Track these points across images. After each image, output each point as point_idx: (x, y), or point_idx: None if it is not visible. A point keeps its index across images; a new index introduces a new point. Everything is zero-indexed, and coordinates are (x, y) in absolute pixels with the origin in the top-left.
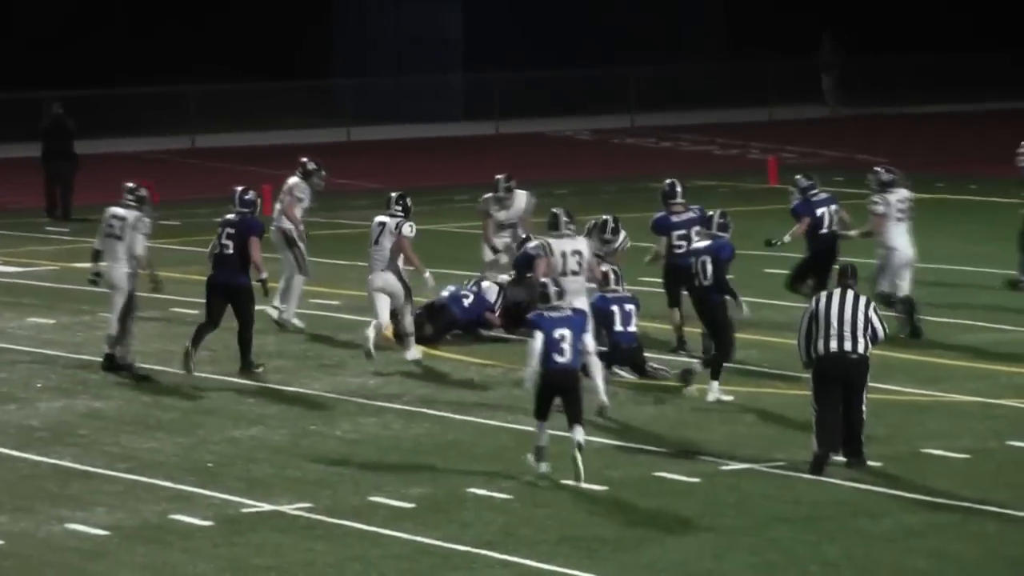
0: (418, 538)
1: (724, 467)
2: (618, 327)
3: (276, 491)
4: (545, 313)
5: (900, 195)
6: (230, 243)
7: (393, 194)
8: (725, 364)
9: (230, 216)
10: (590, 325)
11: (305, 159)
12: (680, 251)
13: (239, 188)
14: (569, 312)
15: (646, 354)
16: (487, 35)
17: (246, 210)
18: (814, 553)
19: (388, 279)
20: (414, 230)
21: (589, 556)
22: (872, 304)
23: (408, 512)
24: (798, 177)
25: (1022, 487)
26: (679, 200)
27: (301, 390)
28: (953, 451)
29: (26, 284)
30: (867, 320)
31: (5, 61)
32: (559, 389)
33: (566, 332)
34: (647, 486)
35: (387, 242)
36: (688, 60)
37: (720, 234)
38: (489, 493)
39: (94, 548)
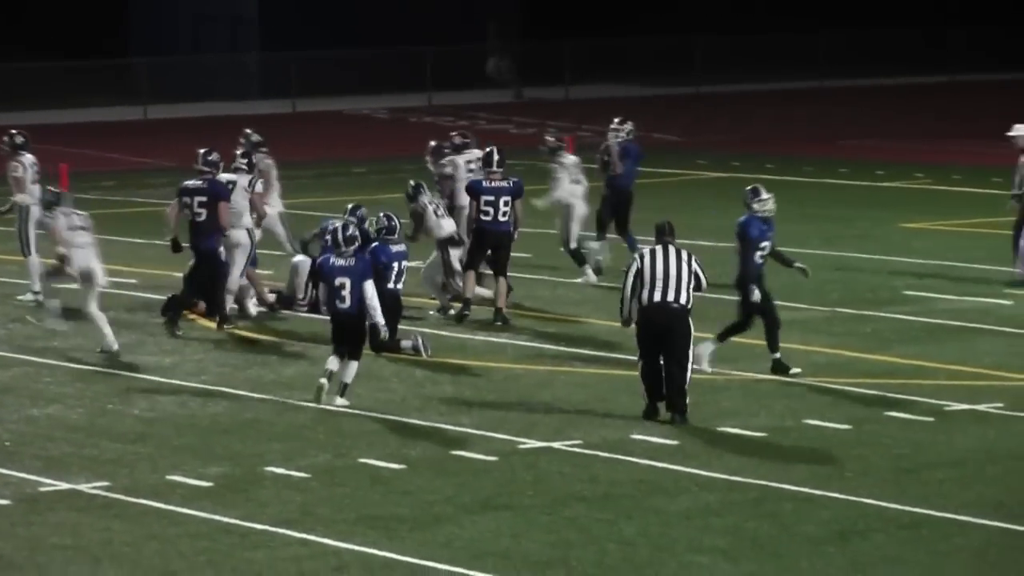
0: (216, 517)
1: (521, 446)
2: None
3: (74, 470)
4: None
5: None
6: (203, 210)
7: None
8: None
9: (196, 182)
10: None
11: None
12: (487, 217)
13: (202, 150)
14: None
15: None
16: (283, 14)
17: (210, 171)
18: (611, 531)
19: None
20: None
21: (387, 535)
22: (694, 257)
23: (206, 491)
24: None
25: (818, 465)
26: (495, 168)
27: (99, 369)
28: (750, 430)
29: None
30: (691, 272)
31: None
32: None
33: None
34: (445, 465)
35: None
36: (484, 39)
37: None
38: (287, 472)
39: None
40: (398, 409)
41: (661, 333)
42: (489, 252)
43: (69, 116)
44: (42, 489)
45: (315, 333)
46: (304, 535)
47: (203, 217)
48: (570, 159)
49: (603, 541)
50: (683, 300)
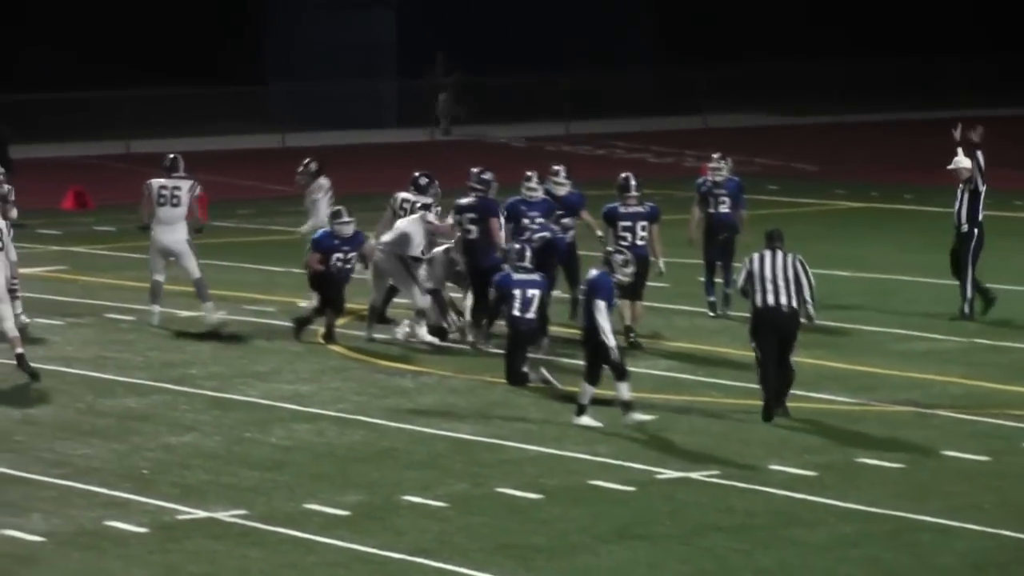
0: (353, 545)
1: (659, 475)
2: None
3: (210, 498)
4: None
5: None
6: (473, 227)
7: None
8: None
9: (468, 200)
10: None
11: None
12: (625, 243)
13: (476, 169)
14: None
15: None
16: (421, 41)
17: (482, 189)
18: (747, 561)
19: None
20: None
21: (523, 564)
22: (802, 261)
23: (343, 519)
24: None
25: (955, 497)
26: (633, 193)
27: (236, 396)
28: (887, 461)
29: None
30: (796, 276)
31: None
32: None
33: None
34: (581, 494)
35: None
36: (622, 68)
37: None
38: (424, 501)
39: (29, 554)
40: (535, 438)
41: (775, 334)
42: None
43: (207, 144)
44: (179, 517)
45: (454, 363)
46: (441, 564)
47: (474, 235)
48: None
49: (740, 571)
50: (794, 303)
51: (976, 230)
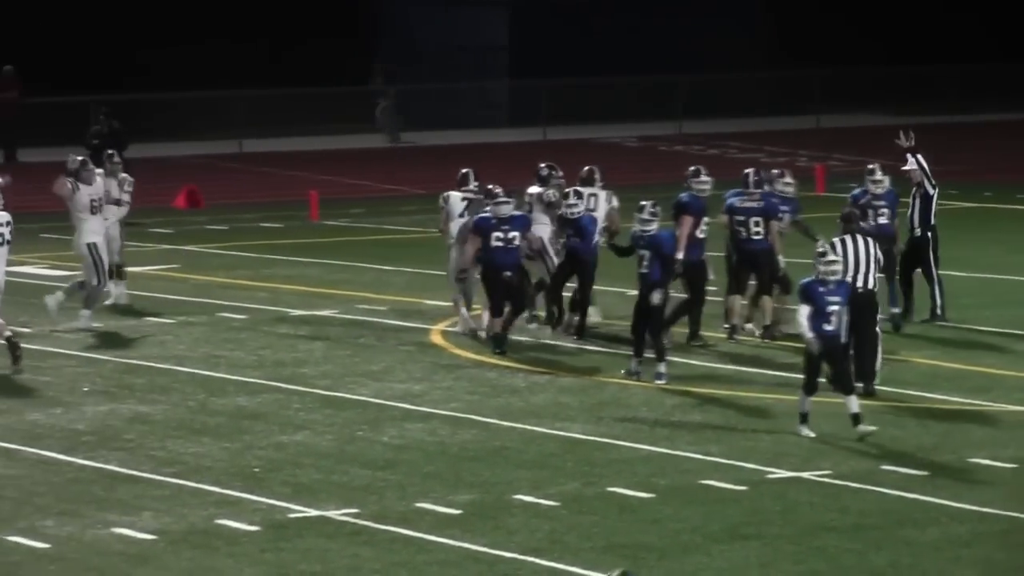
0: (465, 544)
1: (770, 475)
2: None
3: (322, 496)
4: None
5: None
6: (760, 229)
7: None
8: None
9: (750, 203)
10: None
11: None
12: (740, 236)
13: (750, 170)
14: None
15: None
16: (533, 41)
17: (759, 191)
18: (860, 562)
19: None
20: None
21: (634, 564)
22: (877, 243)
23: (455, 518)
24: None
25: None
26: (752, 189)
27: (348, 395)
28: (1000, 460)
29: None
30: (876, 258)
31: (56, 65)
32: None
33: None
34: (693, 493)
35: None
36: (736, 67)
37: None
38: (536, 500)
39: (140, 552)
40: (647, 437)
41: (852, 316)
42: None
43: (318, 143)
44: (291, 516)
45: (566, 362)
46: (552, 563)
47: (760, 235)
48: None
49: (852, 572)
50: (870, 285)
51: (929, 233)
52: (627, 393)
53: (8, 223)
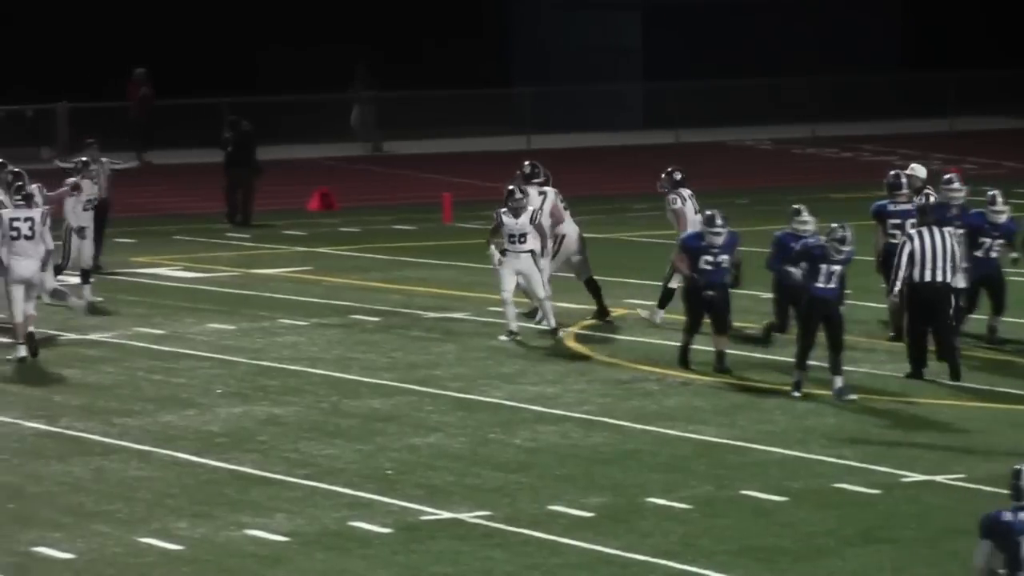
0: (597, 547)
1: (904, 479)
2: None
3: (455, 499)
4: None
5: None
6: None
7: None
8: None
9: (903, 206)
10: None
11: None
12: (894, 240)
13: (894, 171)
14: None
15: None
16: (666, 43)
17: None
18: None
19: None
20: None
21: (768, 567)
22: (955, 237)
23: (587, 521)
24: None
25: None
26: (903, 191)
27: (480, 398)
28: None
29: (206, 290)
30: (953, 251)
31: (188, 68)
32: None
33: None
34: (827, 497)
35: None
36: (869, 70)
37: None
38: (668, 503)
39: (273, 554)
40: (780, 441)
41: (930, 308)
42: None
43: (452, 145)
44: (423, 518)
45: (698, 364)
46: (685, 566)
47: None
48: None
49: None
50: (948, 278)
51: None
52: (760, 396)
53: (28, 219)
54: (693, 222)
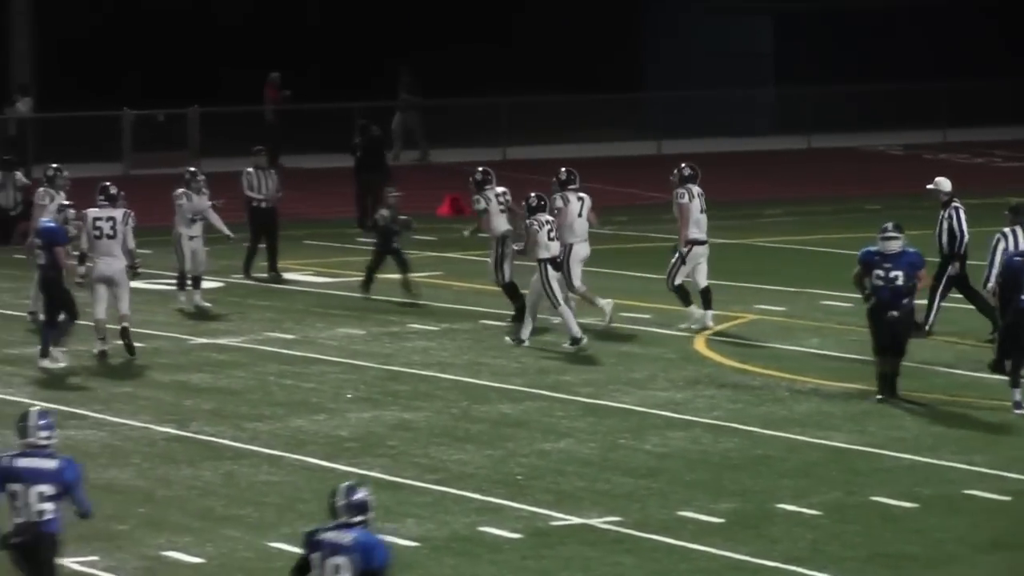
0: (727, 553)
1: None
2: None
3: (585, 504)
4: None
5: None
6: None
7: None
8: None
9: None
10: None
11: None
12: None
13: None
14: None
15: None
16: (798, 48)
17: None
18: None
19: None
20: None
21: (897, 574)
22: None
23: (717, 527)
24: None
25: None
26: None
27: (610, 403)
28: None
29: (336, 295)
30: None
31: (318, 74)
32: None
33: None
34: (957, 503)
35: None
36: (1003, 75)
37: None
38: (798, 509)
39: (403, 559)
40: (910, 447)
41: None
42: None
43: (582, 150)
44: (553, 523)
45: (829, 371)
46: (814, 572)
47: None
48: None
49: None
50: None
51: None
52: (890, 403)
53: (110, 219)
54: (696, 221)
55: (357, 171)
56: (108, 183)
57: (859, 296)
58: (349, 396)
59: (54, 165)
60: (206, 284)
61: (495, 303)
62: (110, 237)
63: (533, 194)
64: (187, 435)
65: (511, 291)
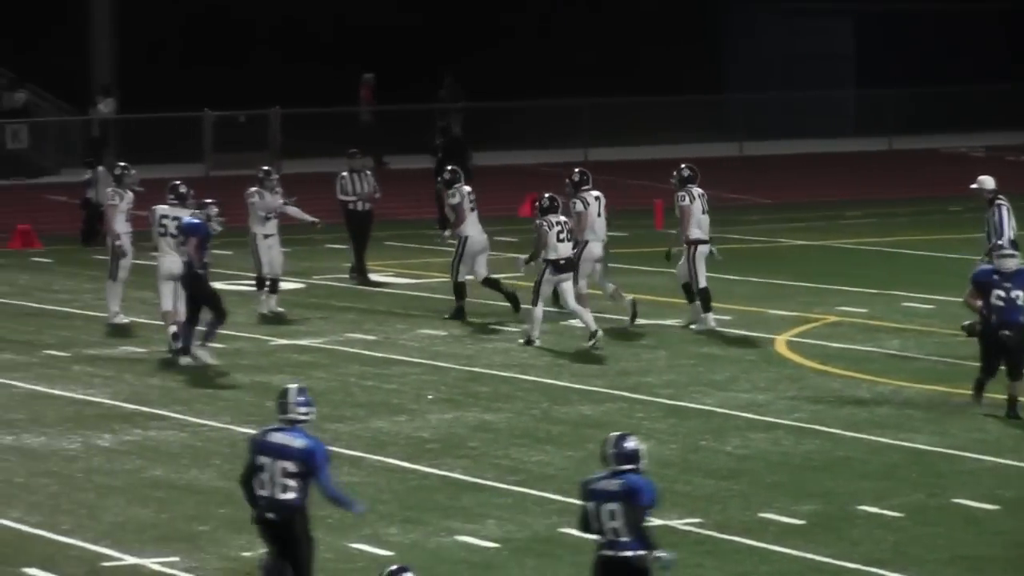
0: (808, 555)
1: None
2: None
3: (666, 506)
4: None
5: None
6: None
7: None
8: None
9: None
10: None
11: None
12: None
13: None
14: None
15: None
16: (879, 50)
17: None
18: None
19: None
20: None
21: None
22: None
23: (798, 528)
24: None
25: None
26: None
27: (691, 405)
28: None
29: (418, 296)
30: None
31: (405, 75)
32: None
33: None
34: None
35: None
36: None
37: None
38: (879, 511)
39: (484, 560)
40: (992, 449)
41: None
42: None
43: (663, 152)
44: None
45: (910, 373)
46: (895, 574)
47: None
48: None
49: None
50: None
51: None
52: (972, 404)
53: (176, 218)
54: (698, 221)
55: (438, 172)
56: (178, 182)
57: (960, 303)
58: (430, 397)
59: (122, 164)
60: (287, 285)
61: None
62: (174, 236)
63: (546, 195)
64: None
65: (459, 290)
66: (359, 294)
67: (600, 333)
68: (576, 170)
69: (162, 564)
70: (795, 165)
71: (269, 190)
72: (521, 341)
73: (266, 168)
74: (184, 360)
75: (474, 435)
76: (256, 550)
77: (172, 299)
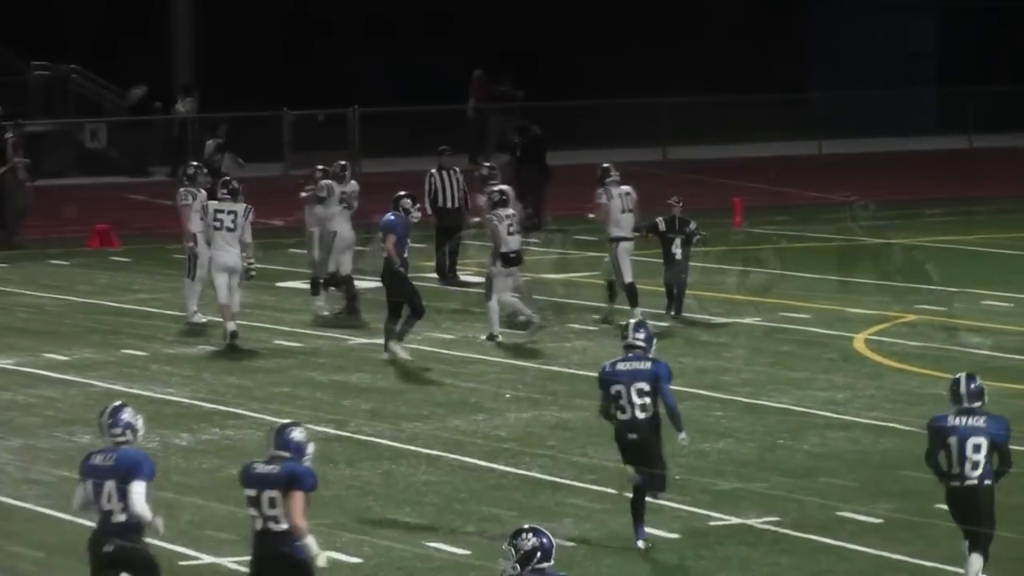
0: (885, 553)
1: None
2: None
3: (743, 504)
4: None
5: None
6: None
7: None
8: None
9: None
10: None
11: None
12: None
13: None
14: None
15: None
16: (961, 47)
17: None
18: None
19: None
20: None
21: None
22: None
23: (876, 527)
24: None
25: None
26: None
27: (769, 403)
28: None
29: None
30: None
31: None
32: None
33: None
34: None
35: None
36: None
37: None
38: None
39: (562, 559)
40: None
41: None
42: None
43: (742, 151)
44: (711, 523)
45: (986, 368)
46: None
47: None
48: None
49: None
50: None
51: None
52: None
53: (231, 212)
54: (617, 220)
55: (517, 170)
56: (230, 178)
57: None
58: (508, 396)
59: (194, 163)
60: (362, 284)
61: (652, 303)
62: (230, 230)
63: (496, 189)
64: (346, 435)
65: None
66: (437, 293)
67: (498, 339)
68: (603, 165)
69: (239, 563)
70: (875, 163)
71: (339, 181)
72: (483, 337)
73: (342, 163)
74: (385, 355)
75: (552, 434)
76: (334, 549)
77: (227, 292)
